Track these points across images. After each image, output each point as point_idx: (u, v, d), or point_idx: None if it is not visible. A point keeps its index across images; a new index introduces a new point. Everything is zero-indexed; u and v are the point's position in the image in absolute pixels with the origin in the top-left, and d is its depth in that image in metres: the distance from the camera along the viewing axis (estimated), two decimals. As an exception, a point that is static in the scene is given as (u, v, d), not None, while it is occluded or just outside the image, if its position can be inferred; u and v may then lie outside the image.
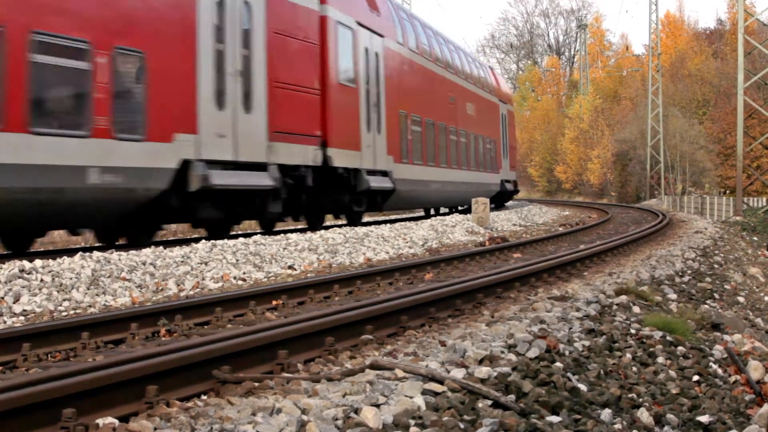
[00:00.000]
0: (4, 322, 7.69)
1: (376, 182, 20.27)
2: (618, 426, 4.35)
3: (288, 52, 16.59)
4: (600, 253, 13.35)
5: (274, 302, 8.25)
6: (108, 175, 11.92)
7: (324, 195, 18.58)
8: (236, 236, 15.30)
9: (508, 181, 37.51)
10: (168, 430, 3.67)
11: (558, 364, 5.02)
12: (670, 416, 4.85)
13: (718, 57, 62.62)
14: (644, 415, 4.66)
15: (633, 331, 6.66)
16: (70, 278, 9.29)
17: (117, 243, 14.69)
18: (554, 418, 4.09)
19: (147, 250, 11.55)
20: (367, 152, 20.04)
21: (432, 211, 32.85)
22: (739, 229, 27.40)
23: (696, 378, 5.91)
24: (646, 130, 56.14)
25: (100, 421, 3.89)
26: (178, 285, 9.92)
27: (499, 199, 37.25)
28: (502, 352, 5.07)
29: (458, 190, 28.85)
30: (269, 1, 15.91)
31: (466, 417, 3.88)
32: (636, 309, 7.71)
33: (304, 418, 3.61)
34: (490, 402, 4.12)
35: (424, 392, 4.13)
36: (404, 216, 29.24)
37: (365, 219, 26.95)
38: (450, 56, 29.48)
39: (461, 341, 5.45)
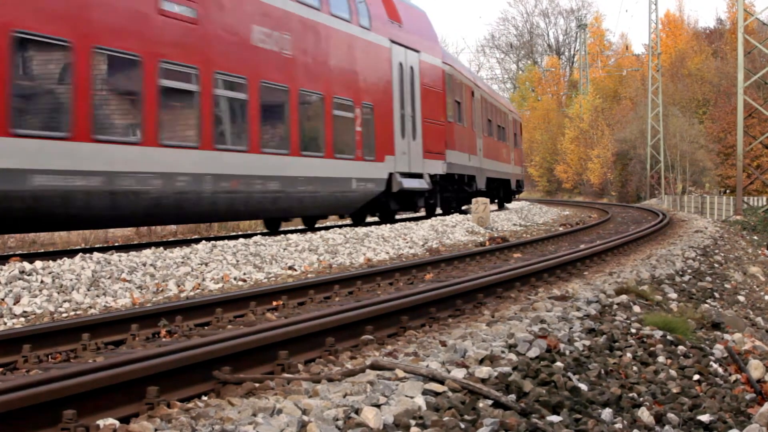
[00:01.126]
0: (5, 324, 7.69)
1: None
2: (619, 425, 4.35)
3: None
4: (600, 253, 13.34)
5: (274, 303, 8.25)
6: None
7: None
8: (236, 237, 15.24)
9: (416, 176, 22.71)
10: (169, 431, 3.67)
11: (558, 363, 5.02)
12: (670, 415, 4.85)
13: (718, 56, 62.74)
14: (645, 415, 4.66)
15: (633, 331, 6.66)
16: (71, 279, 9.29)
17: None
18: (555, 418, 4.09)
19: (147, 251, 11.55)
20: None
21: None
22: (740, 228, 27.40)
23: (696, 377, 5.91)
24: (646, 129, 56.19)
25: (100, 423, 3.89)
26: (179, 286, 9.93)
27: (400, 203, 22.50)
28: (503, 351, 5.07)
29: (223, 190, 14.86)
30: None
31: (466, 417, 3.88)
32: (636, 308, 7.71)
33: (305, 418, 3.61)
34: (490, 402, 4.12)
35: (425, 392, 4.12)
36: (404, 217, 28.75)
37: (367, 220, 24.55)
38: None
39: (462, 341, 5.44)
